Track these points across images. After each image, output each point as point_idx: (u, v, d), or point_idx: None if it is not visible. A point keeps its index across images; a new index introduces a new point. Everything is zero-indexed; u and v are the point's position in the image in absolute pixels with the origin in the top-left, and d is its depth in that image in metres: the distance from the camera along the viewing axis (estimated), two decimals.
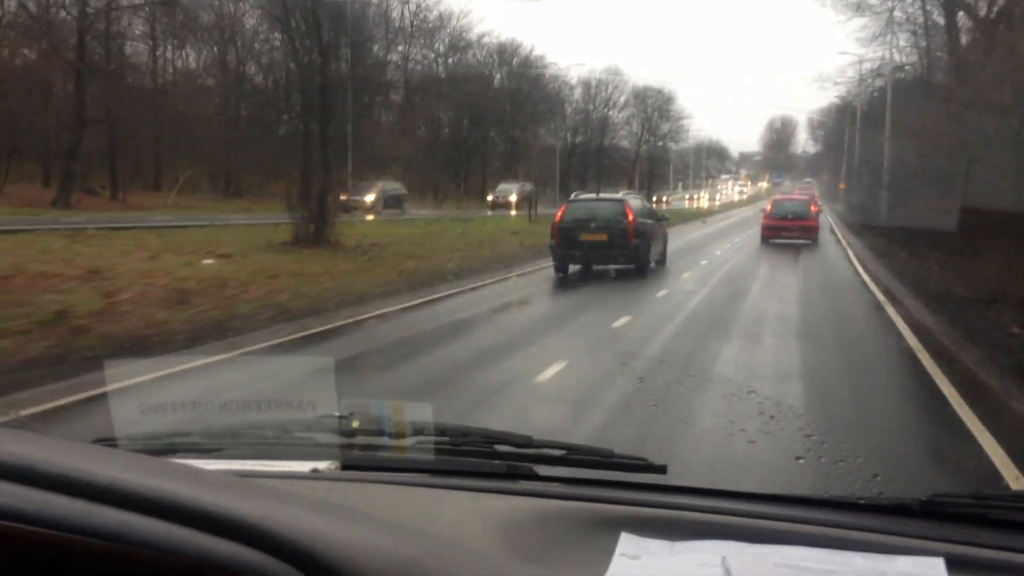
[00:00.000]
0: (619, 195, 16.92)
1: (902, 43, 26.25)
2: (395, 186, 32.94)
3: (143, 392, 4.25)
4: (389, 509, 1.03)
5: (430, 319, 9.00)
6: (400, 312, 9.23)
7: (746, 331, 8.15)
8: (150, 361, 5.54)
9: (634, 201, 14.80)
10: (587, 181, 56.43)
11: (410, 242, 16.84)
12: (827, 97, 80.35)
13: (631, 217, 13.25)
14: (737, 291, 11.58)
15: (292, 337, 7.37)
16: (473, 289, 11.43)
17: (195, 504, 0.66)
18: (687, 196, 59.15)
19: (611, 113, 60.67)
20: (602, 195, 17.35)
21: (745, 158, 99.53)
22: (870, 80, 30.44)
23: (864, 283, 13.10)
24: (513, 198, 36.36)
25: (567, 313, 9.98)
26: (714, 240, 24.04)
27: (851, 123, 39.65)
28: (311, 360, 5.80)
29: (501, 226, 24.17)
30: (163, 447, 1.36)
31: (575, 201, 14.55)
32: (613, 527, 1.06)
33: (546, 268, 13.89)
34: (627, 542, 1.03)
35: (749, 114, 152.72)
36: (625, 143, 63.56)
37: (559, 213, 13.85)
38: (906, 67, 27.06)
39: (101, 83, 27.92)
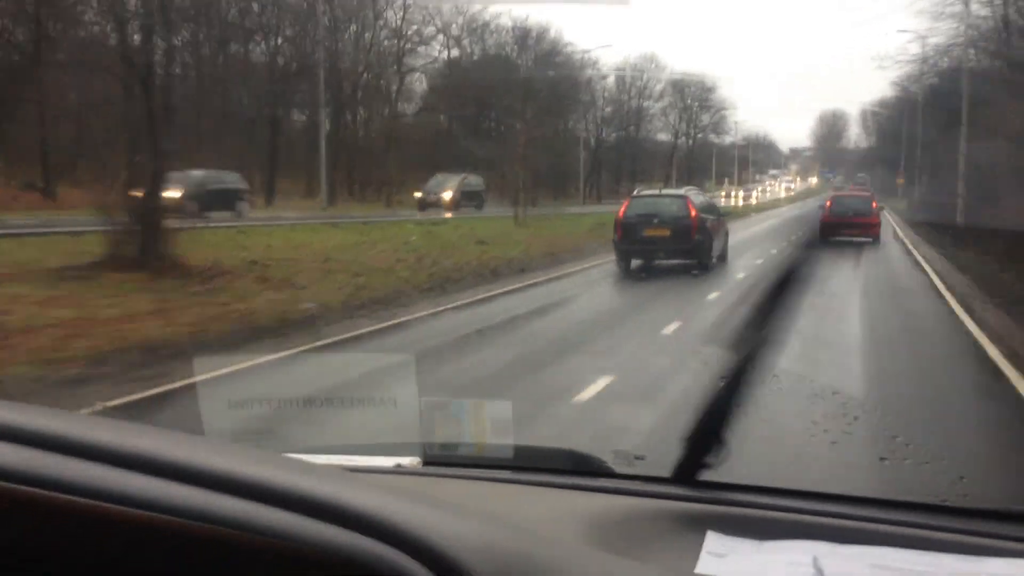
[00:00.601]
0: (681, 191, 17.66)
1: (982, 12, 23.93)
2: (474, 181, 32.52)
3: (226, 385, 4.46)
4: (475, 504, 1.08)
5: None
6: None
7: (816, 339, 8.28)
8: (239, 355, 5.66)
9: (696, 197, 15.81)
10: (621, 177, 56.46)
11: (316, 258, 13.19)
12: (883, 86, 79.41)
13: (694, 213, 14.23)
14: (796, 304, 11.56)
15: None
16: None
17: (313, 494, 0.71)
18: (722, 193, 58.04)
19: (647, 104, 60.43)
20: (665, 191, 18.45)
21: (795, 153, 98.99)
22: (936, 59, 28.53)
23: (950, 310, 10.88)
24: (448, 195, 31.03)
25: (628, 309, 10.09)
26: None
27: (913, 110, 38.92)
28: (391, 356, 6.02)
29: (477, 231, 20.51)
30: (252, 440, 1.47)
31: (638, 197, 15.92)
32: (698, 525, 1.11)
33: (519, 319, 9.77)
34: (714, 540, 1.07)
35: (799, 107, 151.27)
36: (662, 136, 63.29)
37: (622, 209, 14.99)
38: (979, 44, 25.02)
39: None
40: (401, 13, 43.26)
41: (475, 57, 49.01)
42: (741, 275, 14.31)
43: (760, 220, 35.37)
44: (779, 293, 1.27)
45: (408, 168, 41.52)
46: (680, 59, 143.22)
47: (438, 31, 46.11)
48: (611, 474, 1.33)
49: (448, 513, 0.79)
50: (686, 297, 11.80)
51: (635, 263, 14.50)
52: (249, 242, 15.17)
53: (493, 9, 47.06)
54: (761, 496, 1.23)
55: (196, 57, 36.35)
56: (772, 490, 1.25)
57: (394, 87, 44.15)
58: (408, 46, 44.27)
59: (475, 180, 33.79)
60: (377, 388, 2.46)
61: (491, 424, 1.51)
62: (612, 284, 13.65)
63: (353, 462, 1.32)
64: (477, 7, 48.78)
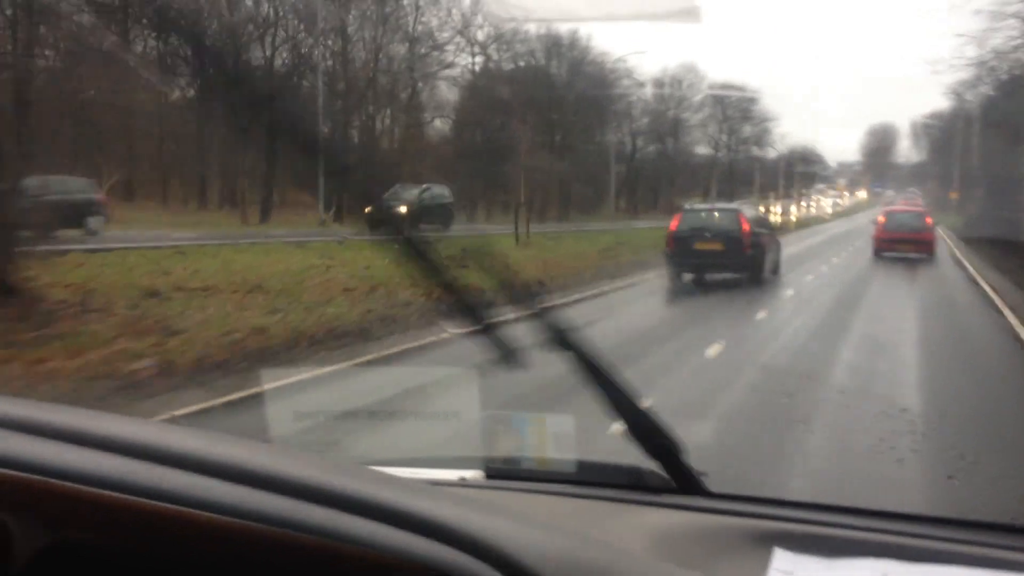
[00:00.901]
0: (734, 204, 18.08)
1: None
2: (439, 193, 28.70)
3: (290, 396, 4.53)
4: (542, 517, 1.09)
5: None
6: None
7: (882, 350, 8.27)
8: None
9: (749, 210, 16.21)
10: (659, 191, 56.24)
11: (243, 288, 10.86)
12: (935, 98, 78.37)
13: (746, 227, 14.51)
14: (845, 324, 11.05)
15: None
16: None
17: (397, 504, 0.75)
18: (760, 209, 56.88)
19: (686, 116, 60.24)
20: (717, 204, 18.79)
21: (844, 167, 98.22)
22: (994, 63, 27.48)
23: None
24: (402, 210, 25.98)
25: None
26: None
27: (969, 121, 38.24)
28: (453, 369, 5.84)
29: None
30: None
31: (690, 210, 16.18)
32: (765, 542, 1.13)
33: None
34: (781, 558, 1.09)
35: (848, 120, 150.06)
36: (701, 148, 62.96)
37: (674, 222, 15.27)
38: None
39: None
40: (414, 14, 42.05)
41: (498, 64, 48.16)
42: (790, 292, 14.27)
43: (794, 241, 31.41)
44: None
45: (426, 181, 41.82)
46: (720, 68, 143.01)
47: (459, 35, 44.91)
48: (674, 490, 1.35)
49: (527, 526, 0.82)
50: (731, 316, 11.71)
51: (686, 277, 14.67)
52: (177, 266, 12.75)
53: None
54: (829, 514, 1.25)
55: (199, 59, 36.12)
56: (840, 508, 1.27)
57: (410, 93, 43.00)
58: (422, 51, 42.96)
59: (440, 192, 29.39)
60: (439, 401, 2.57)
61: (553, 438, 1.55)
62: (644, 307, 13.02)
63: (416, 475, 1.35)
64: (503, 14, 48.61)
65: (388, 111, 42.59)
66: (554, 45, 49.11)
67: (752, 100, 61.91)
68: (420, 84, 43.63)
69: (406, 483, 0.89)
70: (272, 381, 6.10)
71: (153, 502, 0.75)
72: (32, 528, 0.78)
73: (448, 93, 46.34)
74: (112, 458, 0.79)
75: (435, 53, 43.48)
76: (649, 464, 1.34)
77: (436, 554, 0.72)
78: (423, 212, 26.25)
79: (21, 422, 0.83)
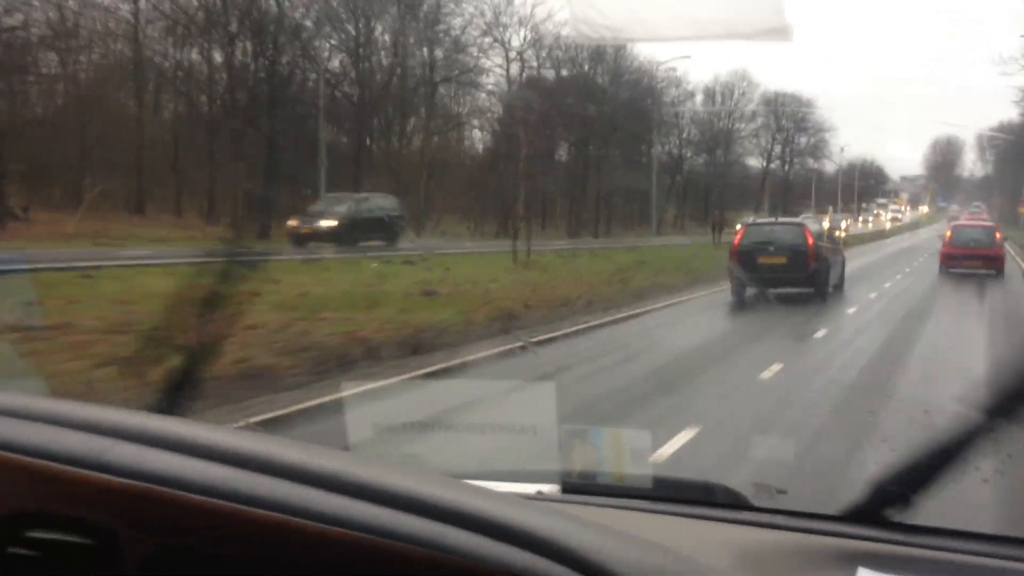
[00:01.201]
0: (798, 218, 18.46)
1: None
2: (382, 204, 24.53)
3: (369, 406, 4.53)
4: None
5: None
6: None
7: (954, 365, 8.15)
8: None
9: (813, 225, 16.57)
10: (708, 205, 55.65)
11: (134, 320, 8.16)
12: (1002, 109, 76.82)
13: (811, 241, 14.69)
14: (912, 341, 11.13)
15: None
16: None
17: (497, 516, 0.79)
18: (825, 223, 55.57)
19: (739, 126, 59.69)
20: (781, 218, 19.26)
21: (906, 181, 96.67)
22: None
23: None
24: (328, 224, 21.94)
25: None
26: None
27: None
28: (532, 383, 6.20)
29: (451, 273, 16.25)
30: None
31: (754, 224, 16.91)
32: (848, 562, 1.14)
33: None
34: None
35: (910, 133, 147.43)
36: (752, 160, 62.24)
37: (738, 236, 15.76)
38: None
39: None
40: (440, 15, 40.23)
41: (536, 70, 46.47)
42: (852, 309, 14.10)
43: (855, 256, 29.44)
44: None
45: (453, 195, 39.35)
46: (774, 77, 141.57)
47: (489, 37, 43.59)
48: (751, 507, 1.37)
49: (624, 541, 0.85)
50: (790, 334, 11.49)
51: (749, 291, 14.72)
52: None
53: (560, 19, 44.99)
54: (912, 535, 1.26)
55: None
56: (923, 528, 1.28)
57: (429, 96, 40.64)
58: (439, 53, 40.97)
59: (384, 203, 24.75)
60: (515, 413, 2.58)
61: (630, 453, 1.58)
62: (668, 335, 11.48)
63: (496, 488, 1.41)
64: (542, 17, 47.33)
65: (410, 120, 40.79)
66: (596, 51, 48.38)
67: (808, 108, 61.13)
68: (443, 89, 42.15)
69: (501, 495, 0.92)
70: (349, 389, 6.36)
71: (256, 510, 0.79)
72: (140, 535, 0.83)
73: (475, 100, 44.95)
74: (217, 467, 0.84)
75: (460, 56, 42.13)
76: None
77: (535, 567, 0.75)
78: (360, 226, 22.51)
79: (129, 432, 0.88)
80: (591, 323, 11.45)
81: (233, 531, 0.81)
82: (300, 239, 21.47)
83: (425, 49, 40.83)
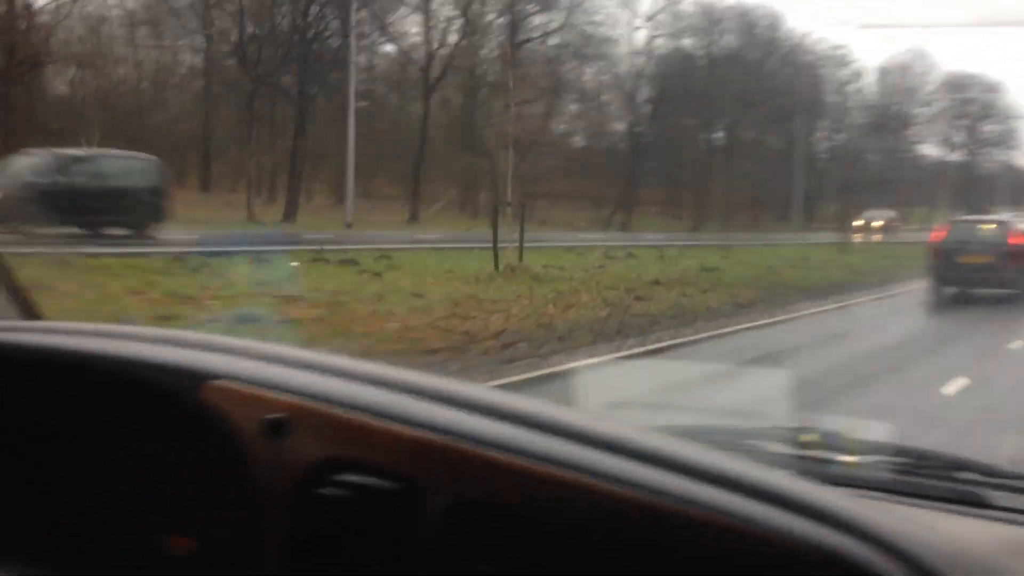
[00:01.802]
0: (1004, 216, 18.63)
1: None
2: (122, 164, 18.65)
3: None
4: None
5: None
6: None
7: None
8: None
9: (1020, 224, 16.51)
10: (868, 199, 52.11)
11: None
12: None
13: (1015, 240, 14.87)
14: None
15: None
16: None
17: (811, 499, 0.85)
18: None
19: (916, 111, 55.83)
20: (984, 216, 19.68)
21: None
22: None
23: None
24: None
25: None
26: None
27: None
28: (766, 370, 6.75)
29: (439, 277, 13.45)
30: None
31: (958, 221, 17.56)
32: None
33: None
34: None
35: None
36: (927, 149, 58.25)
37: (941, 234, 16.10)
38: None
39: None
40: None
41: (659, 42, 44.58)
42: None
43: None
44: None
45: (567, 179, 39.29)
46: (952, 56, 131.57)
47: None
48: (996, 506, 1.33)
49: (910, 522, 0.88)
50: (979, 343, 10.86)
51: (949, 291, 15.07)
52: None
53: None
54: None
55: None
56: None
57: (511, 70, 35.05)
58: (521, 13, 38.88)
59: (124, 164, 19.21)
60: (750, 401, 2.64)
61: (866, 444, 1.60)
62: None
63: None
64: None
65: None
66: (747, 22, 46.08)
67: (995, 91, 56.61)
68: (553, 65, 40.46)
69: (784, 474, 0.98)
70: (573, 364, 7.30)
71: (549, 468, 0.90)
72: (440, 487, 0.95)
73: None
74: (509, 427, 0.96)
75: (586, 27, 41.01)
76: None
77: (841, 545, 0.81)
78: (63, 197, 15.68)
79: (430, 391, 1.03)
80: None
81: (527, 487, 0.90)
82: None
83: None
